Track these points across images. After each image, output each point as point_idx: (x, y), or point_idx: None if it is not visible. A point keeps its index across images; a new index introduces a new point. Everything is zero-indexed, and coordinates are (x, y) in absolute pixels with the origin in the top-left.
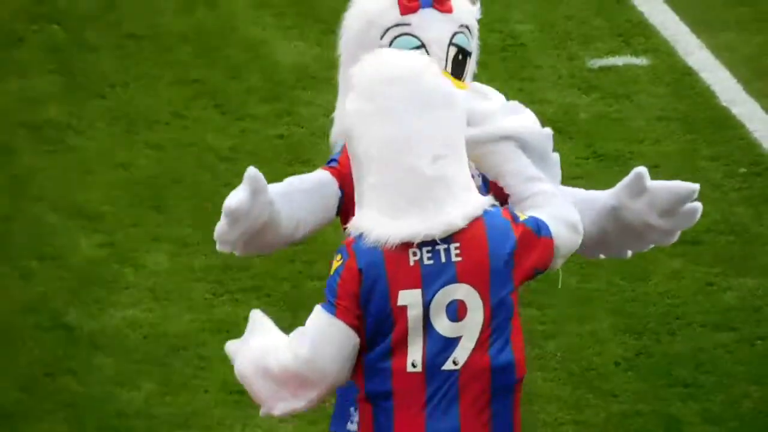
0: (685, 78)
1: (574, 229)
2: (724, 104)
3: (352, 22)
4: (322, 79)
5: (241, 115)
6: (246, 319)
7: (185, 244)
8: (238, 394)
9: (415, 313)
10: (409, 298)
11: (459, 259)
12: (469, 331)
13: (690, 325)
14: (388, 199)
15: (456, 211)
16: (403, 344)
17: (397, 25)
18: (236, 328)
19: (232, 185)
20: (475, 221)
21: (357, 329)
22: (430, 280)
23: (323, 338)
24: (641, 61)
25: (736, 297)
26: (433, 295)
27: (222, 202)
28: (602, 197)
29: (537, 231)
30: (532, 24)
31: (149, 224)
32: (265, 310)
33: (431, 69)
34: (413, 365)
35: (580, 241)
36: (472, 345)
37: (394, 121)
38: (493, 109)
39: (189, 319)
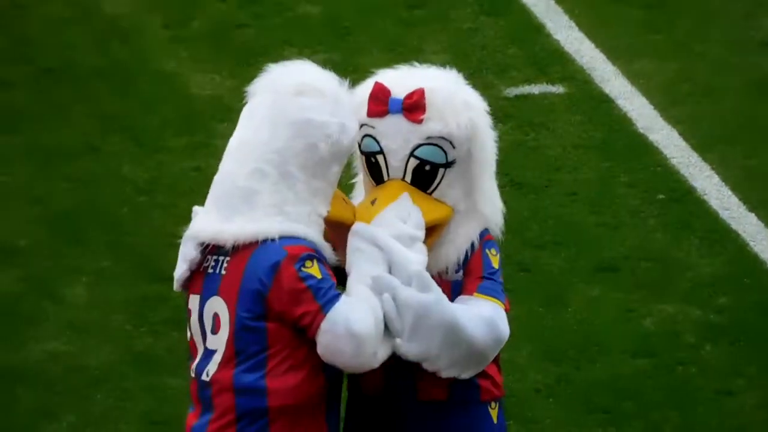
0: (601, 105)
1: (355, 335)
2: (642, 131)
3: None
4: (237, 111)
5: (158, 148)
6: (168, 350)
7: (104, 277)
8: (160, 424)
9: (193, 319)
10: (192, 303)
11: (225, 273)
12: (220, 345)
13: (609, 351)
14: (209, 195)
15: (237, 227)
16: (192, 347)
17: (364, 124)
18: (157, 360)
19: (149, 217)
20: (253, 243)
21: None
22: (205, 289)
23: None
24: (557, 89)
25: (655, 323)
26: (204, 305)
27: (141, 234)
28: None
29: (318, 295)
30: (447, 54)
31: (67, 257)
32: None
33: (315, 91)
34: (191, 370)
35: (349, 350)
36: (219, 360)
37: (246, 125)
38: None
39: (109, 351)
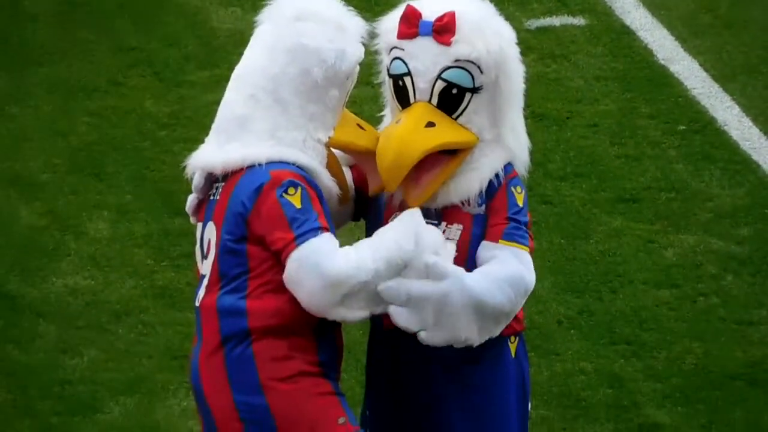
0: (622, 37)
1: (321, 274)
2: (662, 62)
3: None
4: None
5: (179, 82)
6: (188, 284)
7: (126, 212)
8: (182, 359)
9: (196, 247)
10: (197, 231)
11: (218, 198)
12: (208, 270)
13: (631, 282)
14: (213, 124)
15: (226, 153)
16: (197, 275)
17: (394, 47)
18: (178, 294)
19: (171, 152)
20: (244, 168)
21: None
22: (205, 216)
23: None
24: (578, 21)
25: (676, 254)
26: (203, 231)
27: (162, 168)
28: None
29: (293, 225)
30: None
31: (89, 192)
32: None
33: (316, 27)
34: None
35: (308, 286)
36: (206, 284)
37: (248, 53)
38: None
39: (131, 286)
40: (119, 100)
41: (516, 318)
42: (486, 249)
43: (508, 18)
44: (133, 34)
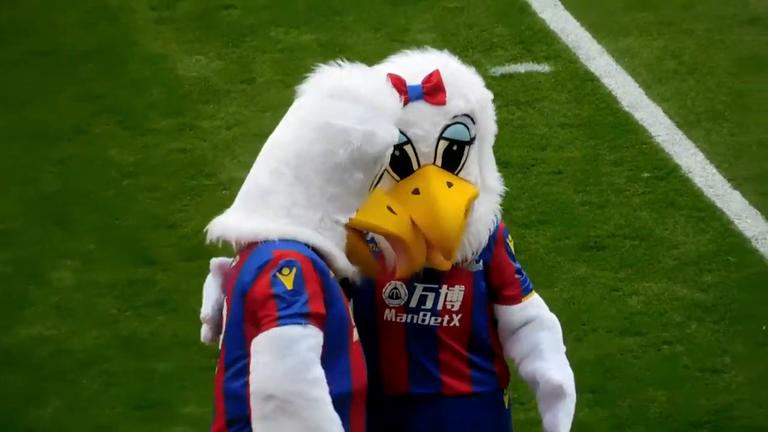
0: (587, 84)
1: (289, 368)
2: (627, 109)
3: None
4: (223, 93)
5: (144, 130)
6: (152, 334)
7: (89, 260)
8: (145, 409)
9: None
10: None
11: (233, 272)
12: (221, 347)
13: (596, 330)
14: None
15: (241, 225)
16: None
17: None
18: (143, 344)
19: (135, 200)
20: (252, 244)
21: None
22: (224, 288)
23: None
24: (543, 67)
25: (641, 302)
26: (222, 304)
27: (127, 217)
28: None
29: (280, 306)
30: (433, 33)
31: (53, 240)
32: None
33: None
34: None
35: (269, 371)
36: (219, 362)
37: (281, 124)
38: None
39: (95, 335)
40: (84, 148)
41: (506, 368)
42: (513, 313)
43: (473, 65)
44: (98, 81)
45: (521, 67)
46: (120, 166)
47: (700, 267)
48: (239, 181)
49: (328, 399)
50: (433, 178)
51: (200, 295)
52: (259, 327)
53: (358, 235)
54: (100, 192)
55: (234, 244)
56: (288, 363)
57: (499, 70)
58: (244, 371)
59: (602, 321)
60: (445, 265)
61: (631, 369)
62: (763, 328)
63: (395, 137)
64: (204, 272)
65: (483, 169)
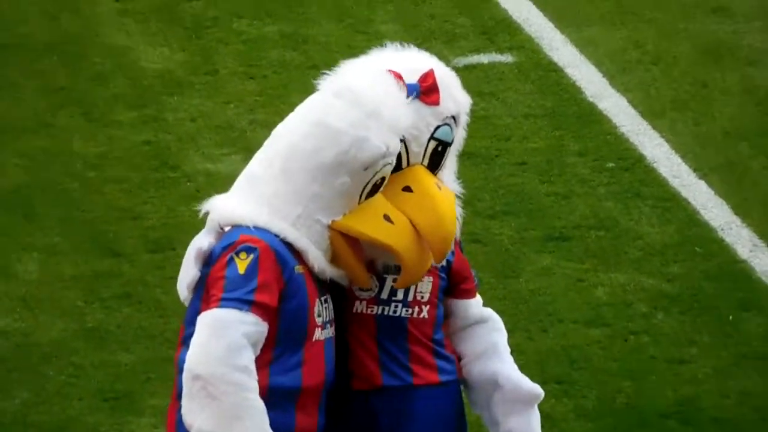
0: (550, 74)
1: (216, 356)
2: (591, 99)
3: None
4: (187, 84)
5: (108, 122)
6: (118, 326)
7: (55, 253)
8: (112, 401)
9: None
10: None
11: None
12: None
13: (561, 321)
14: None
15: (223, 207)
16: None
17: None
18: (109, 336)
19: (100, 192)
20: (234, 226)
21: None
22: None
23: None
24: (506, 58)
25: (607, 292)
26: None
27: (92, 209)
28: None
29: (227, 287)
30: (395, 24)
31: (19, 233)
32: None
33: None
34: None
35: (197, 352)
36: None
37: (292, 114)
38: None
39: (61, 328)
40: (48, 140)
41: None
42: (470, 307)
43: (436, 56)
44: (61, 73)
45: (484, 58)
46: (84, 158)
47: (666, 257)
48: (203, 173)
49: (254, 386)
50: (426, 178)
51: (164, 288)
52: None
53: (349, 242)
54: (65, 184)
55: (217, 223)
56: (219, 345)
57: (462, 61)
58: None
59: (568, 312)
60: (439, 261)
61: (597, 360)
62: (730, 318)
63: (393, 148)
64: (169, 264)
65: (452, 172)
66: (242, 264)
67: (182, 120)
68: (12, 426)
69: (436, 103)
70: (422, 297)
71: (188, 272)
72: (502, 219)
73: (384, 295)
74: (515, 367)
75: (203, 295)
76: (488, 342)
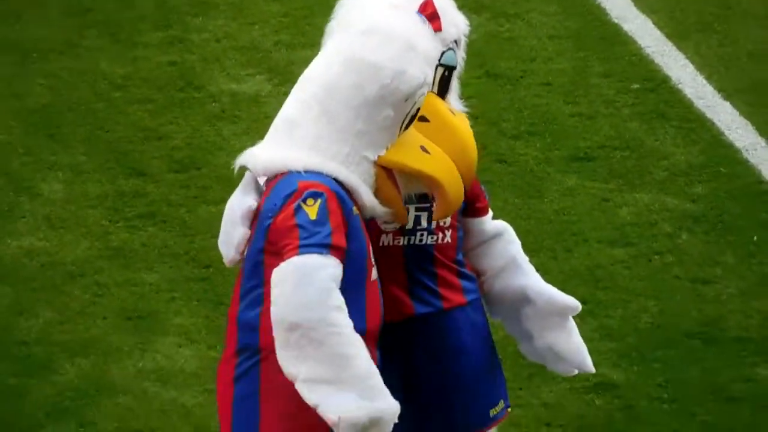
0: None
1: (309, 302)
2: (615, 21)
3: None
4: (212, 5)
5: (134, 43)
6: (143, 245)
7: (80, 172)
8: (136, 320)
9: None
10: None
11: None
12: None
13: (586, 241)
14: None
15: (267, 156)
16: None
17: None
18: (133, 255)
19: (125, 113)
20: (279, 175)
21: None
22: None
23: None
24: None
25: (631, 212)
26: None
27: (117, 129)
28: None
29: (302, 234)
30: None
31: (44, 152)
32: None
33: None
34: None
35: (289, 297)
36: (233, 294)
37: (318, 57)
38: None
39: (85, 247)
40: (74, 61)
41: None
42: (485, 223)
43: None
44: None
45: None
46: (110, 79)
47: (690, 178)
48: (228, 93)
49: (351, 324)
50: (440, 105)
51: (189, 207)
52: (280, 257)
53: (387, 175)
54: (91, 104)
55: (259, 176)
56: (310, 291)
57: None
58: (260, 301)
59: (593, 232)
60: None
61: (622, 279)
62: (754, 238)
63: (429, 77)
64: (193, 183)
65: (456, 95)
66: (312, 210)
67: (207, 41)
68: (36, 345)
69: (439, 29)
70: (444, 222)
71: (234, 232)
72: (527, 139)
73: (409, 225)
74: (540, 278)
75: (266, 247)
76: (507, 256)
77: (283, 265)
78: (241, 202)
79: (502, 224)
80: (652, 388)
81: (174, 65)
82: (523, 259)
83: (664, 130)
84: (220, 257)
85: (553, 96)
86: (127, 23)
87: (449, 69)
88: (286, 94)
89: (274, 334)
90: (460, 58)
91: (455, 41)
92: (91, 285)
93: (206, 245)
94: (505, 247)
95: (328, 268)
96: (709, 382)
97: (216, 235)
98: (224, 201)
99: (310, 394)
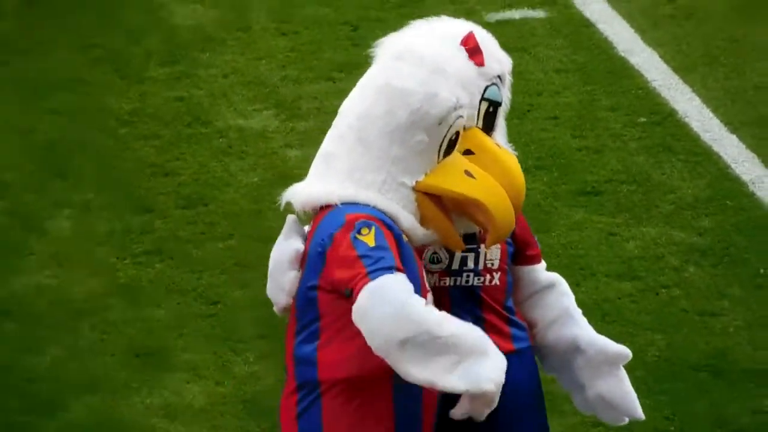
0: (582, 29)
1: (400, 308)
2: (622, 54)
3: None
4: (219, 41)
5: (141, 79)
6: (150, 282)
7: (87, 209)
8: (144, 357)
9: None
10: None
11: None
12: (292, 316)
13: (594, 275)
14: None
15: (307, 191)
16: None
17: None
18: (141, 292)
19: (132, 149)
20: (325, 209)
21: None
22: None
23: None
24: (538, 13)
25: (638, 246)
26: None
27: (124, 166)
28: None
29: (367, 262)
30: None
31: (52, 190)
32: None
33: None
34: None
35: (377, 319)
36: (289, 329)
37: (355, 88)
38: None
39: (93, 284)
40: (81, 97)
41: None
42: (538, 272)
43: (469, 11)
44: (95, 30)
45: (516, 13)
46: (117, 115)
47: (697, 211)
48: (235, 129)
49: (435, 309)
50: (486, 139)
51: (196, 243)
52: (338, 290)
53: (433, 201)
54: (98, 141)
55: (302, 211)
56: (397, 305)
57: (494, 17)
58: (316, 335)
59: (600, 266)
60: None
61: (629, 313)
62: (761, 271)
63: (462, 100)
64: (201, 219)
65: (501, 135)
66: (368, 238)
67: (214, 76)
68: (43, 382)
69: (481, 63)
70: (492, 264)
71: (284, 277)
72: (534, 174)
73: (455, 266)
74: (592, 329)
75: (320, 284)
76: (560, 307)
77: (359, 299)
78: (285, 248)
79: (555, 276)
80: (659, 421)
81: (181, 101)
82: (576, 311)
83: (670, 164)
84: (227, 293)
85: (560, 130)
86: (134, 59)
87: (494, 104)
88: (294, 129)
89: (393, 363)
90: (505, 96)
91: (499, 77)
92: (98, 322)
93: (214, 281)
94: (558, 299)
95: (400, 283)
96: (717, 414)
97: (224, 271)
98: (231, 237)
99: (458, 383)
